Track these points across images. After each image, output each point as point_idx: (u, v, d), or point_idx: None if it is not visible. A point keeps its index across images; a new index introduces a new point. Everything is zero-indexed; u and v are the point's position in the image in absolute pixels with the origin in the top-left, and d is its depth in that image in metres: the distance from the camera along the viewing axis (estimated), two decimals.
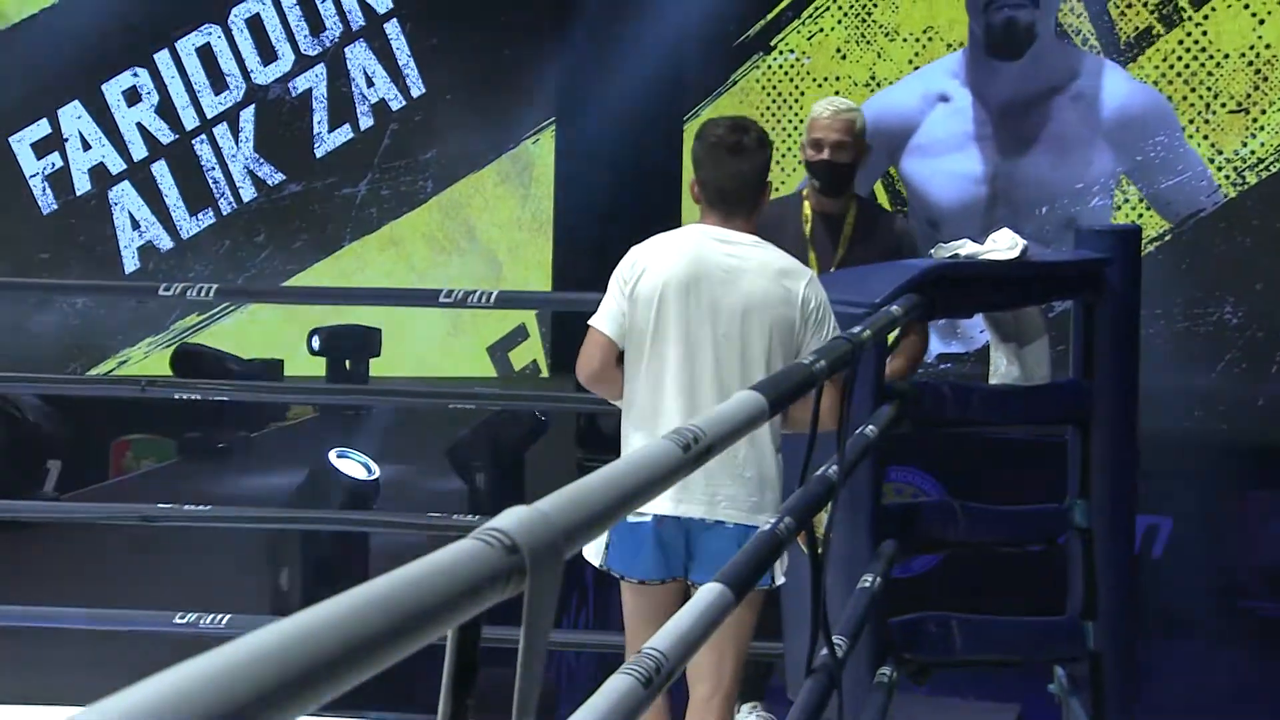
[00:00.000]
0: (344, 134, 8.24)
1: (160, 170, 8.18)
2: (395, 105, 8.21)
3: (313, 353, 7.27)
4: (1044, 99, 7.50)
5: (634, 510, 1.16)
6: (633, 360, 3.08)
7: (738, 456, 2.97)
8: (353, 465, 3.91)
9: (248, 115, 8.18)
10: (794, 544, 2.03)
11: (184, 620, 3.53)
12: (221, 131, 8.19)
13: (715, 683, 3.05)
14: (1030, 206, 7.48)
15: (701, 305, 3.04)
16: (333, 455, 3.88)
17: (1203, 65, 7.45)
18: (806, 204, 3.90)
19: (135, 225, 8.14)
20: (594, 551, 3.08)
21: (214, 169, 8.18)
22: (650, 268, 3.05)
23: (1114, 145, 7.47)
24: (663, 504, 2.99)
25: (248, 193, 8.18)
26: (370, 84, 8.21)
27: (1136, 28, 7.51)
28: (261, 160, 8.21)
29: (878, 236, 3.87)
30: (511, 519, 0.90)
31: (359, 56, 8.23)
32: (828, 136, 3.82)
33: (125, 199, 8.16)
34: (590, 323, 3.11)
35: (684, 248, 3.07)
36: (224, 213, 8.16)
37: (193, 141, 8.18)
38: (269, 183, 8.17)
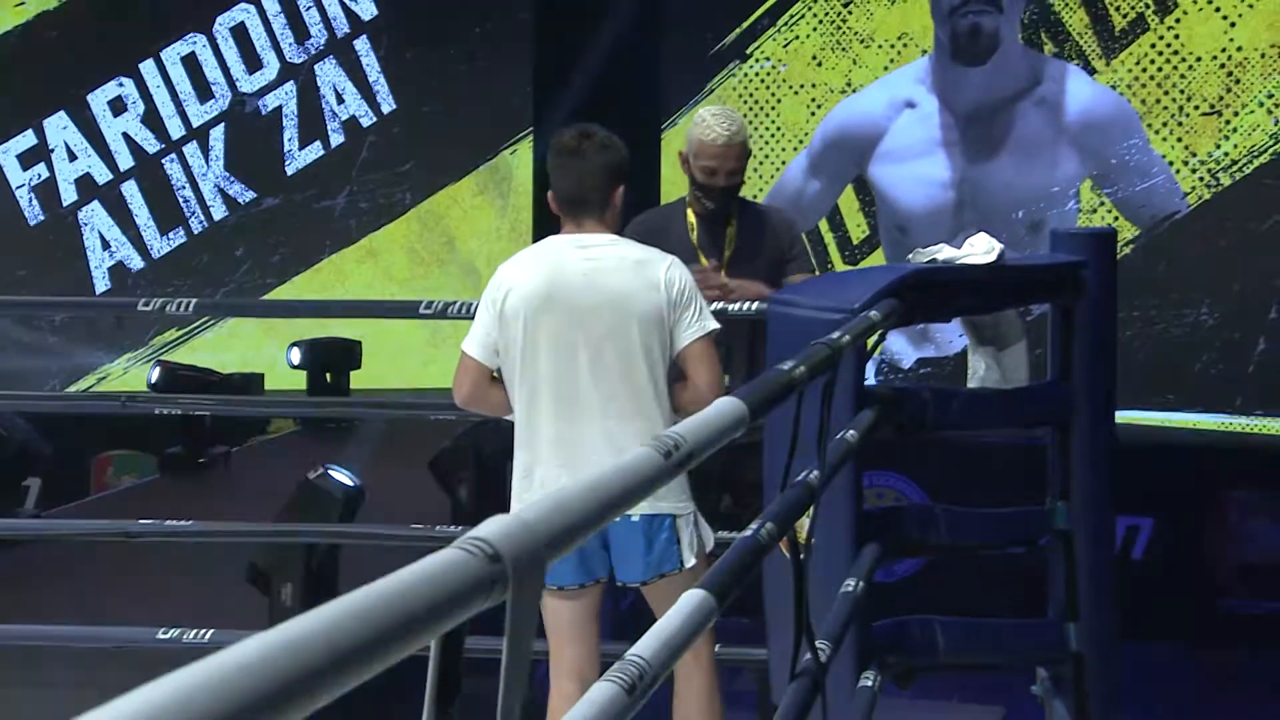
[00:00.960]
0: (315, 150, 8.23)
1: (130, 190, 8.17)
2: (366, 121, 8.22)
3: (292, 366, 7.26)
4: (1009, 104, 7.57)
5: (617, 516, 1.17)
6: (509, 379, 3.17)
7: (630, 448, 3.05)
8: (340, 474, 3.95)
9: (218, 133, 8.18)
10: (774, 548, 2.04)
11: (167, 635, 3.52)
12: (192, 150, 8.18)
13: (706, 678, 3.18)
14: (998, 211, 7.55)
15: (566, 313, 3.11)
16: (312, 474, 3.91)
17: (1175, 69, 7.50)
18: (690, 210, 3.98)
19: (105, 245, 8.14)
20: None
21: (184, 188, 8.18)
22: (514, 286, 3.14)
23: (1080, 149, 7.54)
24: None
25: (219, 210, 8.17)
26: (341, 100, 8.21)
27: (1110, 31, 7.57)
28: (232, 179, 8.21)
29: (765, 233, 3.95)
30: (493, 528, 0.91)
31: (329, 73, 8.23)
32: (723, 165, 3.86)
33: (95, 219, 8.16)
34: (461, 347, 3.20)
35: (542, 260, 3.16)
36: (195, 231, 8.16)
37: (163, 160, 8.17)
38: (240, 200, 8.17)
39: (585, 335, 3.11)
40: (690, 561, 3.15)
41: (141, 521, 3.95)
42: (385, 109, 8.24)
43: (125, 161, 8.16)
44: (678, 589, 3.10)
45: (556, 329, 3.11)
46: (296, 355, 7.20)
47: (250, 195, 8.20)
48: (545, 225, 8.43)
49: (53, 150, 8.14)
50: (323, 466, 3.96)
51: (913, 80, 7.67)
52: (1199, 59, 7.46)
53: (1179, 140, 7.47)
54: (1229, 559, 6.66)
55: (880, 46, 7.75)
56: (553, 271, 3.14)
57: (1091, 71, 7.56)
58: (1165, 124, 7.48)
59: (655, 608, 3.15)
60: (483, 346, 3.16)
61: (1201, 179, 7.47)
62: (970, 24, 7.51)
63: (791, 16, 7.80)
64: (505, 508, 3.02)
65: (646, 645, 1.30)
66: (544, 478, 3.13)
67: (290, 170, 8.23)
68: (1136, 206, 7.48)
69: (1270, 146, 7.39)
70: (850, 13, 7.78)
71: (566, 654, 3.21)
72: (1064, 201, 7.52)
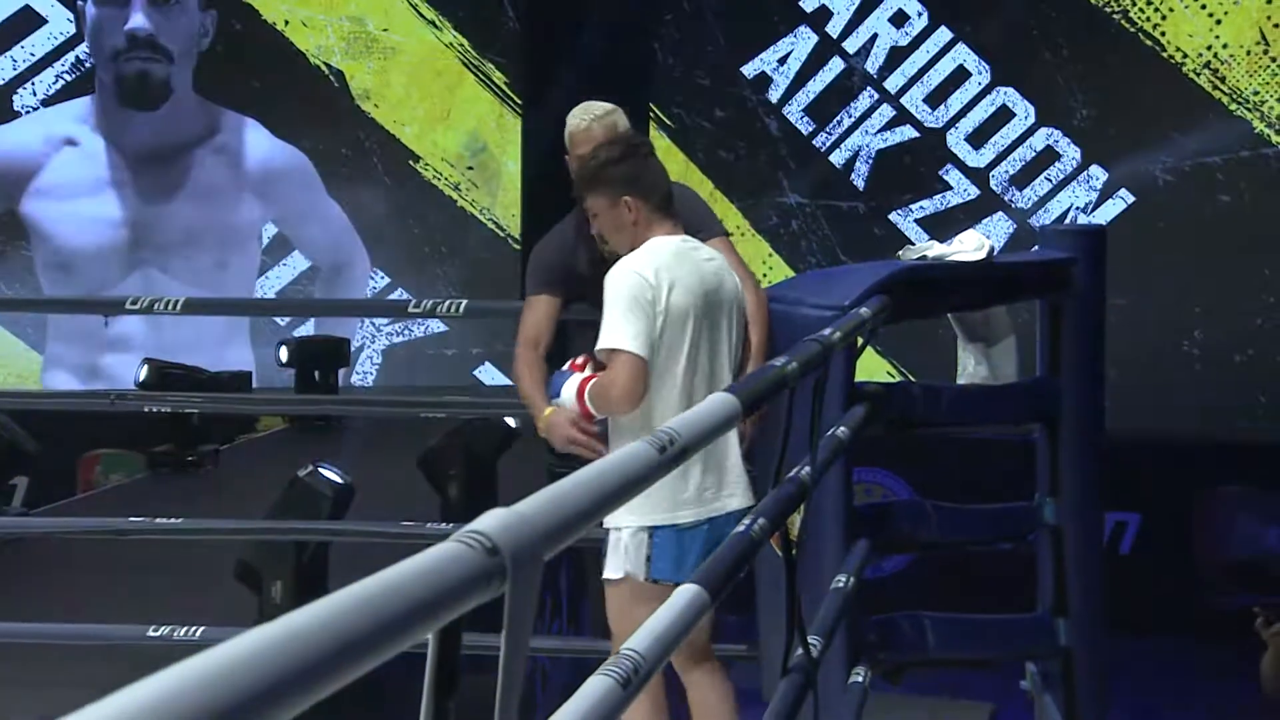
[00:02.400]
0: None
1: None
2: None
3: (280, 364, 7.24)
4: (186, 149, 7.84)
5: (613, 510, 1.17)
6: (662, 376, 3.06)
7: (725, 448, 3.07)
8: (330, 472, 3.94)
9: None
10: (766, 544, 2.04)
11: (157, 633, 3.52)
12: None
13: (711, 662, 3.15)
14: (176, 250, 7.81)
15: (716, 311, 3.09)
16: (302, 472, 3.90)
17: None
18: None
19: None
20: (633, 563, 3.05)
21: None
22: (675, 283, 3.03)
23: (260, 196, 7.86)
24: (702, 506, 3.04)
25: None
26: None
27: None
28: None
29: None
30: (491, 521, 0.91)
31: None
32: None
33: None
34: (623, 347, 3.02)
35: (683, 259, 3.08)
36: None
37: None
38: None
39: (726, 334, 3.10)
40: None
41: (131, 519, 3.94)
42: None
43: None
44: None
45: (712, 326, 3.09)
46: (284, 353, 7.18)
47: None
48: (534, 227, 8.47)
49: None
50: (312, 464, 3.94)
51: (73, 119, 7.84)
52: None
53: None
54: (1216, 554, 6.68)
55: None
56: (695, 269, 3.09)
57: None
58: None
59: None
60: (649, 346, 3.04)
61: None
62: (138, 70, 7.75)
63: None
64: (496, 505, 2.97)
65: (640, 640, 1.30)
66: (697, 481, 3.04)
67: None
68: (313, 248, 7.87)
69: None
70: None
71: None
72: (247, 242, 7.85)
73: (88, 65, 7.85)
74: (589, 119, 3.48)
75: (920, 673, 3.37)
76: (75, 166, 7.79)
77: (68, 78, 7.85)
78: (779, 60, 7.88)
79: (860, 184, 7.87)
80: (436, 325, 7.86)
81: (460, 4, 8.00)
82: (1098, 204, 7.65)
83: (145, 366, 6.81)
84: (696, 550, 3.04)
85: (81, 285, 7.67)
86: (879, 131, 7.87)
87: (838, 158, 7.89)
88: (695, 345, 3.07)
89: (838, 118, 7.88)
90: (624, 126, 3.56)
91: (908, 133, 7.86)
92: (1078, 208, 7.66)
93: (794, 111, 7.89)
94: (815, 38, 7.83)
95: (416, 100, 8.00)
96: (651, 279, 3.03)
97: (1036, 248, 3.60)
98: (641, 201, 3.06)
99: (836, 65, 7.86)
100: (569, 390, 3.09)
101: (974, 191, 7.82)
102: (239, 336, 7.87)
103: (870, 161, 7.88)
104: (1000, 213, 7.77)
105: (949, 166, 7.83)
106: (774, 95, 7.87)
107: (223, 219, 7.82)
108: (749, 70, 7.88)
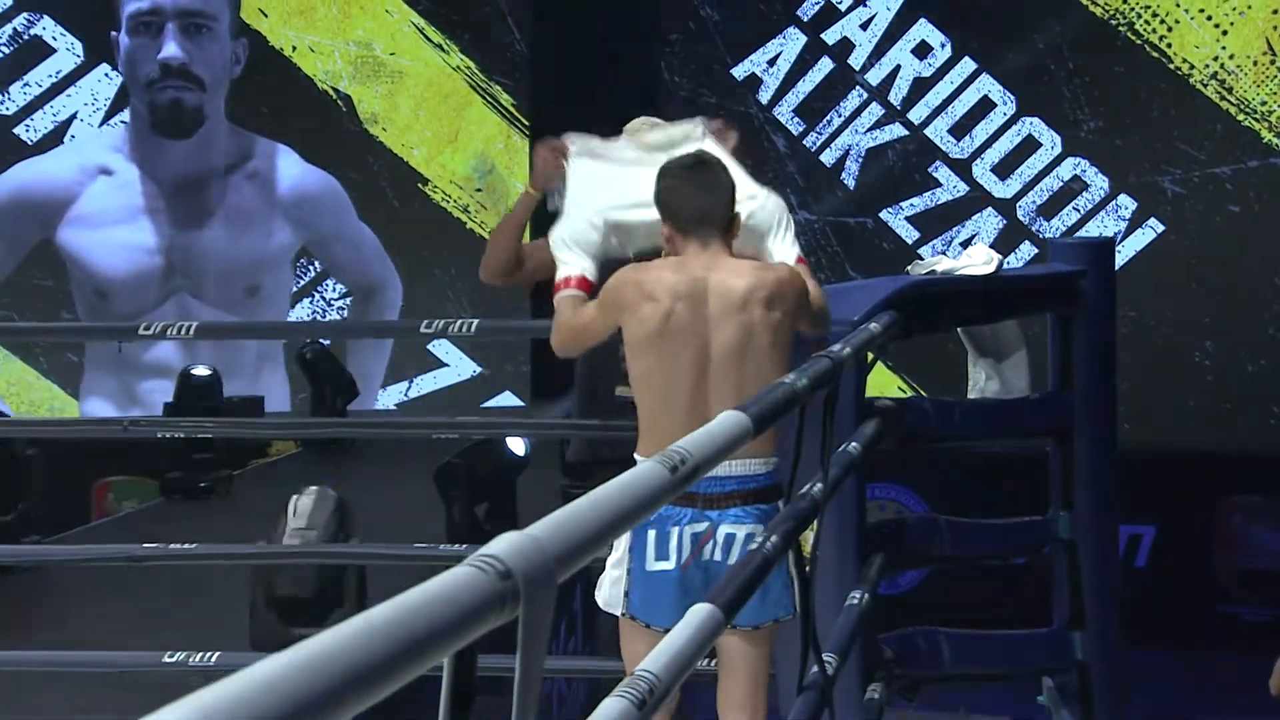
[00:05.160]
0: None
1: None
2: None
3: (304, 362, 7.31)
4: (219, 176, 7.91)
5: (621, 534, 1.17)
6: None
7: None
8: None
9: None
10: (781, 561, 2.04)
11: (173, 659, 3.52)
12: None
13: (751, 712, 3.06)
14: (211, 276, 7.88)
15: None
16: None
17: None
18: None
19: None
20: (613, 600, 3.02)
21: None
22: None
23: (292, 221, 7.93)
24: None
25: None
26: None
27: None
28: None
29: None
30: (504, 545, 0.91)
31: None
32: None
33: None
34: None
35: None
36: None
37: None
38: None
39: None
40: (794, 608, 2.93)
41: (145, 545, 3.95)
42: None
43: None
44: (774, 634, 3.02)
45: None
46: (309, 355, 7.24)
47: None
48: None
49: None
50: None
51: (107, 148, 7.90)
52: None
53: None
54: (1231, 566, 6.66)
55: None
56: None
57: None
58: None
59: (742, 654, 2.87)
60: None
61: None
62: (170, 99, 7.82)
63: None
64: (515, 526, 2.95)
65: (655, 661, 1.30)
66: None
67: None
68: (345, 271, 7.98)
69: None
70: None
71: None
72: (280, 268, 7.92)
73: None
74: (660, 130, 3.57)
75: (936, 689, 3.36)
76: (110, 195, 7.86)
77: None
78: (789, 80, 7.90)
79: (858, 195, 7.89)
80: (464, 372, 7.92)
81: (467, 27, 8.04)
82: (1127, 232, 7.63)
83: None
84: (669, 591, 3.02)
85: (118, 312, 7.74)
86: (872, 133, 7.89)
87: (847, 177, 7.90)
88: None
89: (843, 132, 7.89)
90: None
91: (922, 149, 7.87)
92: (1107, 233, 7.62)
93: (809, 136, 7.91)
94: (832, 64, 7.86)
95: (424, 123, 8.03)
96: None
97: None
98: (670, 224, 3.10)
99: (853, 89, 7.87)
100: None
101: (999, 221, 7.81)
102: (272, 359, 7.93)
103: (859, 160, 7.90)
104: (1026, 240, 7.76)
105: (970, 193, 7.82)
106: (784, 116, 7.89)
107: (255, 244, 7.89)
108: (763, 94, 7.90)
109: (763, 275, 3.02)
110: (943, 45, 7.82)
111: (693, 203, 3.08)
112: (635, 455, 3.06)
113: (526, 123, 7.96)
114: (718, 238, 3.06)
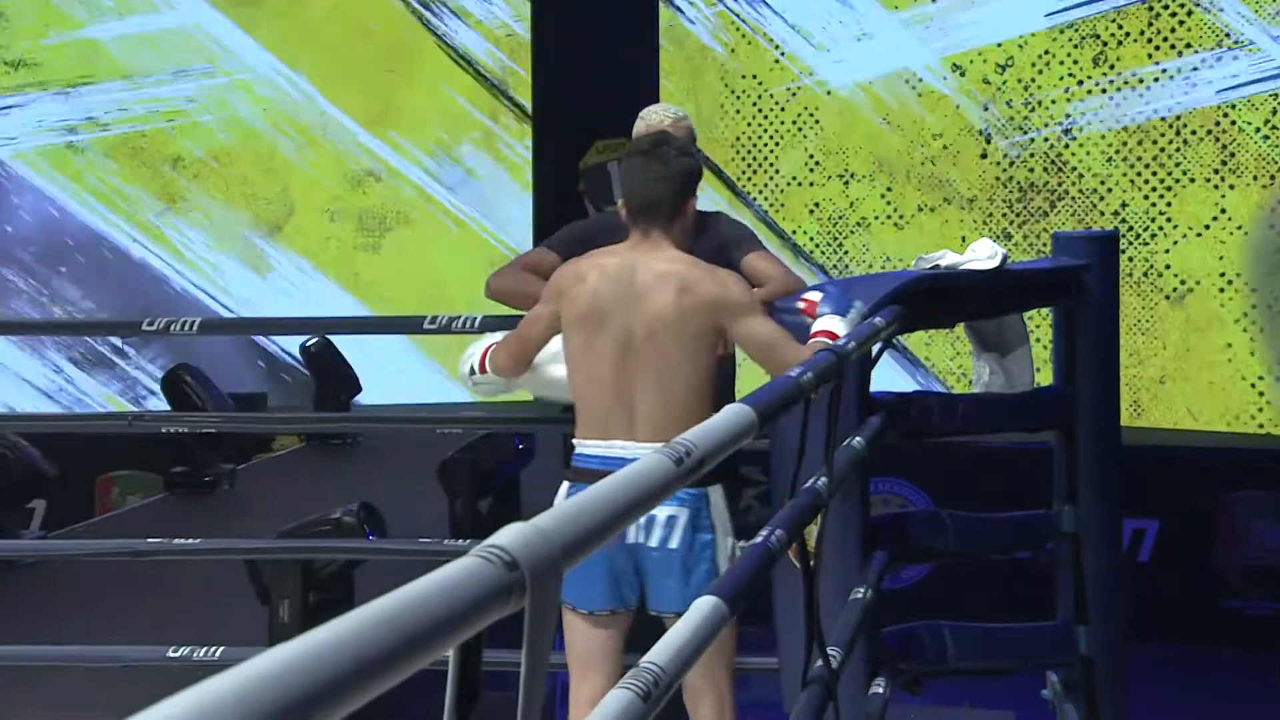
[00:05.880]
0: None
1: None
2: None
3: (306, 353, 7.26)
4: None
5: (628, 525, 1.17)
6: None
7: None
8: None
9: None
10: (784, 556, 2.04)
11: (177, 654, 3.52)
12: None
13: (716, 698, 3.09)
14: None
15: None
16: None
17: None
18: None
19: None
20: None
21: None
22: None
23: None
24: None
25: None
26: None
27: None
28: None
29: (709, 235, 3.60)
30: (510, 536, 0.91)
31: None
32: None
33: None
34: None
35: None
36: None
37: None
38: None
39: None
40: None
41: (149, 540, 3.96)
42: None
43: None
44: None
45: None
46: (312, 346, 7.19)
47: None
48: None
49: None
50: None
51: None
52: None
53: None
54: (1235, 561, 6.65)
55: None
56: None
57: None
58: None
59: None
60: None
61: None
62: None
63: None
64: (519, 519, 2.95)
65: (660, 652, 1.30)
66: None
67: None
68: None
69: None
70: None
71: (587, 684, 3.14)
72: None
73: None
74: (642, 124, 3.54)
75: (940, 683, 3.36)
76: None
77: None
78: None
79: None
80: None
81: None
82: None
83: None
84: (598, 574, 3.04)
85: None
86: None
87: None
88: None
89: None
90: (692, 134, 3.57)
91: None
92: None
93: None
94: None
95: None
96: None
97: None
98: (623, 202, 3.13)
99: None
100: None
101: None
102: None
103: None
104: None
105: None
106: None
107: None
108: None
109: (688, 268, 3.03)
110: None
111: (640, 190, 3.09)
112: (574, 440, 3.09)
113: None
114: (660, 226, 3.07)
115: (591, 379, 3.04)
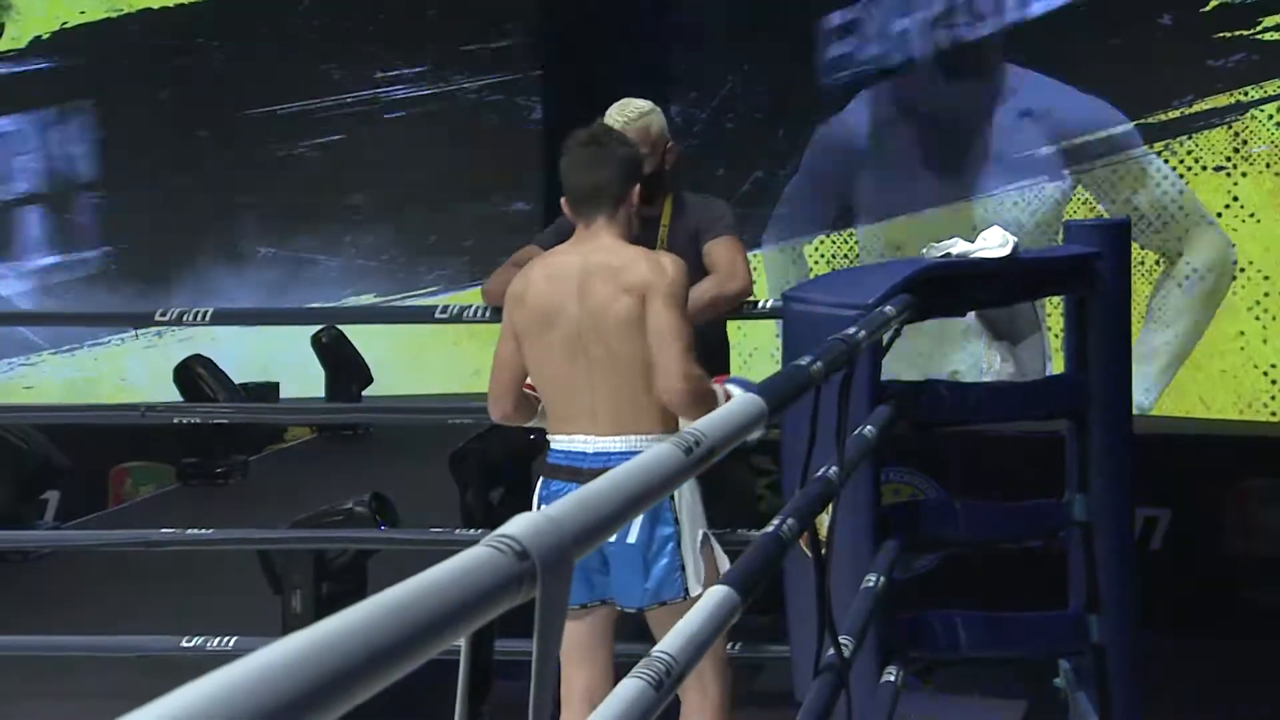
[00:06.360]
0: None
1: None
2: None
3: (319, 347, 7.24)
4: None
5: (638, 514, 1.17)
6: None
7: None
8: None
9: None
10: (795, 545, 2.04)
11: (191, 644, 3.54)
12: None
13: (700, 688, 3.08)
14: None
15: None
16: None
17: None
18: None
19: None
20: None
21: None
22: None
23: None
24: None
25: None
26: None
27: None
28: None
29: (686, 221, 3.67)
30: (521, 525, 0.92)
31: None
32: None
33: None
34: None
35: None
36: None
37: None
38: None
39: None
40: (696, 590, 2.99)
41: (162, 531, 3.97)
42: None
43: None
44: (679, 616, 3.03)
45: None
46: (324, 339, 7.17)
47: None
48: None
49: None
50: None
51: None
52: None
53: None
54: (1248, 549, 6.64)
55: None
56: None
57: None
58: None
59: (657, 634, 2.96)
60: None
61: None
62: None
63: None
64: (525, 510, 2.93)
65: (672, 642, 1.31)
66: None
67: None
68: None
69: None
70: None
71: (577, 678, 3.12)
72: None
73: None
74: (621, 120, 3.52)
75: (952, 671, 3.36)
76: None
77: None
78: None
79: None
80: None
81: None
82: None
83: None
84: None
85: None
86: None
87: None
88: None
89: None
90: (657, 128, 3.58)
91: None
92: None
93: None
94: None
95: None
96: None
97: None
98: (564, 198, 3.11)
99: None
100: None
101: None
102: None
103: None
104: None
105: None
106: None
107: None
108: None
109: (626, 256, 3.02)
110: None
111: (578, 181, 3.08)
112: (548, 436, 3.10)
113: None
114: (603, 217, 3.06)
115: (551, 378, 3.06)
